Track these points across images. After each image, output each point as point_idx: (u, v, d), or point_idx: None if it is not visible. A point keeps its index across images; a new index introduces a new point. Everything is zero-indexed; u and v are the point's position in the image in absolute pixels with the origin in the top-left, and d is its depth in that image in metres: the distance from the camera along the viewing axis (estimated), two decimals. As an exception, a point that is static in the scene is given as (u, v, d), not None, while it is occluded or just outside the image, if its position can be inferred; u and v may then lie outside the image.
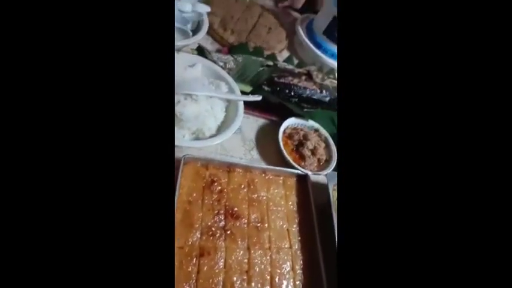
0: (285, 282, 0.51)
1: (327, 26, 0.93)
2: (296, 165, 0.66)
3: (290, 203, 0.61)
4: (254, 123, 0.74)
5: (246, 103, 0.68)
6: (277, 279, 0.50)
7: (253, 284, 0.49)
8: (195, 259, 0.47)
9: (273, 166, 0.63)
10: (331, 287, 0.49)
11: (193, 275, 0.46)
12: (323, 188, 0.62)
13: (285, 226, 0.57)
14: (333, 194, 0.61)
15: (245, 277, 0.49)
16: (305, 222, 0.59)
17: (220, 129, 0.63)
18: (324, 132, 0.75)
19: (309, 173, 0.64)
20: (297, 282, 0.52)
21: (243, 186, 0.58)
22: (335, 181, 0.63)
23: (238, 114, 0.64)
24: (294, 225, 0.58)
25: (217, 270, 0.47)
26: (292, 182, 0.64)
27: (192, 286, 0.45)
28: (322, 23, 0.95)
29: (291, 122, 0.73)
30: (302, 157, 0.69)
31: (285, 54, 0.98)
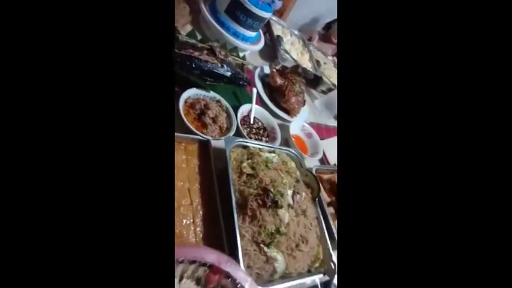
0: (185, 233, 0.56)
1: (228, 4, 0.99)
2: (198, 132, 0.70)
3: (192, 165, 0.66)
4: (155, 94, 0.74)
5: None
6: (178, 231, 0.55)
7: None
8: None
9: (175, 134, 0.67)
10: (228, 237, 0.57)
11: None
12: (223, 152, 0.69)
13: (186, 186, 0.62)
14: (230, 156, 0.68)
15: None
16: (206, 182, 0.65)
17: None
18: (225, 103, 0.82)
19: (210, 138, 0.70)
20: (198, 232, 0.58)
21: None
22: (232, 144, 0.70)
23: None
24: (196, 185, 0.64)
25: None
26: (194, 147, 0.68)
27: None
28: (224, 1, 1.00)
29: (192, 92, 0.77)
30: (204, 125, 0.74)
31: (189, 28, 0.99)
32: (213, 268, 0.48)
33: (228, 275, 0.49)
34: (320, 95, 1.34)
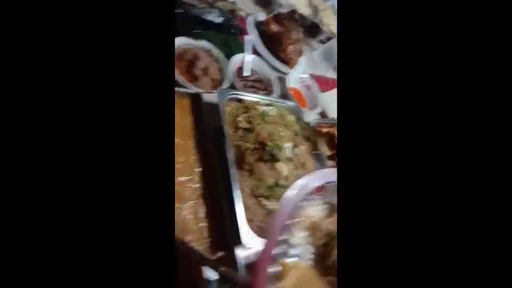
0: (184, 189, 0.55)
1: None
2: (189, 85, 0.65)
3: (186, 122, 0.62)
4: (138, 44, 0.67)
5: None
6: (176, 188, 0.54)
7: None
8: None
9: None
10: (227, 192, 0.56)
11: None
12: (216, 106, 0.65)
13: (180, 143, 0.59)
14: (224, 110, 0.64)
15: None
16: (200, 138, 0.62)
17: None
18: (216, 52, 0.75)
19: (202, 91, 0.65)
20: (196, 189, 0.57)
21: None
22: (226, 97, 0.66)
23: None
24: (189, 142, 0.61)
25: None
26: (185, 102, 0.64)
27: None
28: None
29: (180, 41, 0.69)
30: (194, 77, 0.68)
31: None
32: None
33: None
34: (319, 45, 1.25)
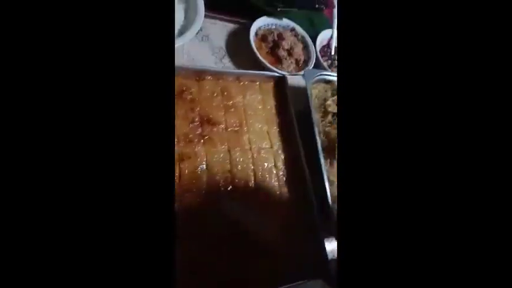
0: (268, 176, 0.53)
1: None
2: (272, 68, 0.62)
3: (269, 106, 0.59)
4: (223, 28, 0.67)
5: (208, 3, 0.60)
6: (260, 175, 0.52)
7: (237, 180, 0.50)
8: (175, 164, 0.47)
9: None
10: (314, 182, 0.51)
11: (175, 179, 0.47)
12: (302, 89, 0.60)
13: (264, 128, 0.57)
14: (311, 93, 0.58)
15: (228, 175, 0.50)
16: (285, 124, 0.58)
17: (181, 33, 0.56)
18: (300, 31, 0.69)
19: (286, 74, 0.61)
20: (280, 176, 0.54)
21: (215, 94, 0.55)
22: (312, 79, 0.60)
23: (198, 14, 0.57)
24: (274, 127, 0.58)
25: (199, 172, 0.48)
26: (269, 86, 0.61)
27: (175, 188, 0.46)
28: None
29: (262, 22, 0.66)
30: (278, 59, 0.64)
31: None
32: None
33: None
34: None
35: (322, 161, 0.51)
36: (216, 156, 0.50)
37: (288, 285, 0.45)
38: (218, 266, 0.44)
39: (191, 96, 0.53)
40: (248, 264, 0.45)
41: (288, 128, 0.58)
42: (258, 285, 0.44)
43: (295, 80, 0.63)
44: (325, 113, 0.57)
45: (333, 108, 0.57)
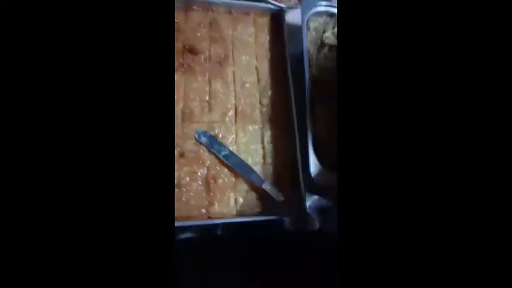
0: (249, 110, 0.49)
1: None
2: (270, 0, 0.56)
3: (262, 41, 0.55)
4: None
5: None
6: (240, 109, 0.49)
7: (215, 111, 0.48)
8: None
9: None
10: (300, 123, 0.47)
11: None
12: (298, 25, 0.53)
13: (253, 62, 0.53)
14: (309, 26, 0.52)
15: (205, 105, 0.48)
16: (277, 60, 0.54)
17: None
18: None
19: (284, 6, 0.55)
20: (264, 113, 0.50)
21: (202, 25, 0.53)
22: (310, 9, 0.53)
23: None
24: (265, 62, 0.54)
25: (175, 100, 0.47)
26: (264, 20, 0.56)
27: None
28: None
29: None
30: (277, -9, 0.58)
31: None
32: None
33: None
34: None
35: (307, 98, 0.46)
36: (194, 85, 0.49)
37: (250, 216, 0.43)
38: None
39: (176, 26, 0.51)
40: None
41: (279, 65, 0.53)
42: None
43: (296, 14, 0.57)
44: (322, 45, 0.51)
45: (330, 40, 0.51)
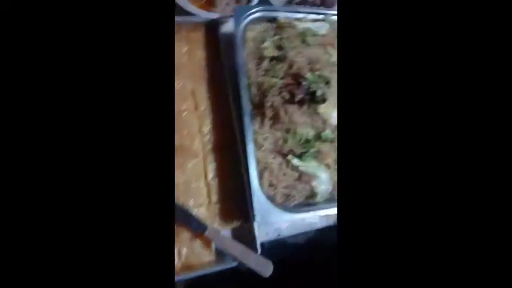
0: (188, 143, 0.44)
1: None
2: (203, 12, 0.50)
3: (197, 59, 0.49)
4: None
5: None
6: (178, 144, 0.43)
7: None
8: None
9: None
10: (243, 146, 0.41)
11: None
12: (232, 36, 0.47)
13: (188, 86, 0.47)
14: (241, 31, 0.45)
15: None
16: (215, 79, 0.48)
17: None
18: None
19: (219, 17, 0.49)
20: (205, 142, 0.45)
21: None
22: (245, 16, 0.47)
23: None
24: (202, 84, 0.48)
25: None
26: (198, 34, 0.50)
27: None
28: None
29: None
30: (211, 1, 0.52)
31: None
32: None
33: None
34: None
35: (247, 119, 0.40)
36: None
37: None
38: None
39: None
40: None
41: (218, 84, 0.48)
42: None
43: (231, 24, 0.50)
44: (260, 58, 0.45)
45: (269, 52, 0.45)
